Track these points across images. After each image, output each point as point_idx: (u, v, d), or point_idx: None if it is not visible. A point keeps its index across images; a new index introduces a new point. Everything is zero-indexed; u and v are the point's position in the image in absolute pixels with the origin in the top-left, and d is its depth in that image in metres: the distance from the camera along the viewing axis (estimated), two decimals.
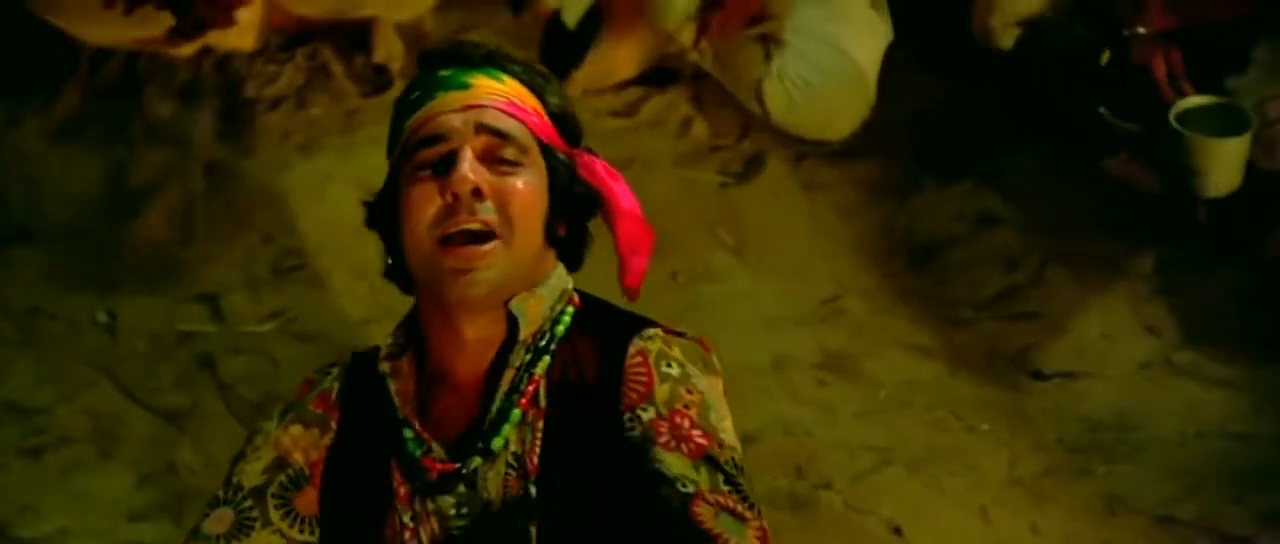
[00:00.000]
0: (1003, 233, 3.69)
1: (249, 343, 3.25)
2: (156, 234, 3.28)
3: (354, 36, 3.75)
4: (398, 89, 3.85)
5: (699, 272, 3.64)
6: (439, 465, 1.98)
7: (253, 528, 2.01)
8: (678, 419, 1.94)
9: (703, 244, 3.66)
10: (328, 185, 3.45)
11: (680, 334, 2.02)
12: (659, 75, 3.94)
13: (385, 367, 2.00)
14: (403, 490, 1.99)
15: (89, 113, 3.62)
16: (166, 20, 3.48)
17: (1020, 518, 3.08)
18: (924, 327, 3.51)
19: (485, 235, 1.87)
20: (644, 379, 1.96)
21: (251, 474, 2.00)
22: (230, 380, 3.12)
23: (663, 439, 1.92)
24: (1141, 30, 3.58)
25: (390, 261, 1.98)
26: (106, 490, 2.97)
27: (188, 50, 3.59)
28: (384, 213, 1.94)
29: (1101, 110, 3.70)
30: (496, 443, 1.96)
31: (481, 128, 1.89)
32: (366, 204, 1.98)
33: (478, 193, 1.85)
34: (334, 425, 2.01)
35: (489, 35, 3.85)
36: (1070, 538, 3.04)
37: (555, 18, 3.85)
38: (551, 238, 1.95)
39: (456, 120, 1.89)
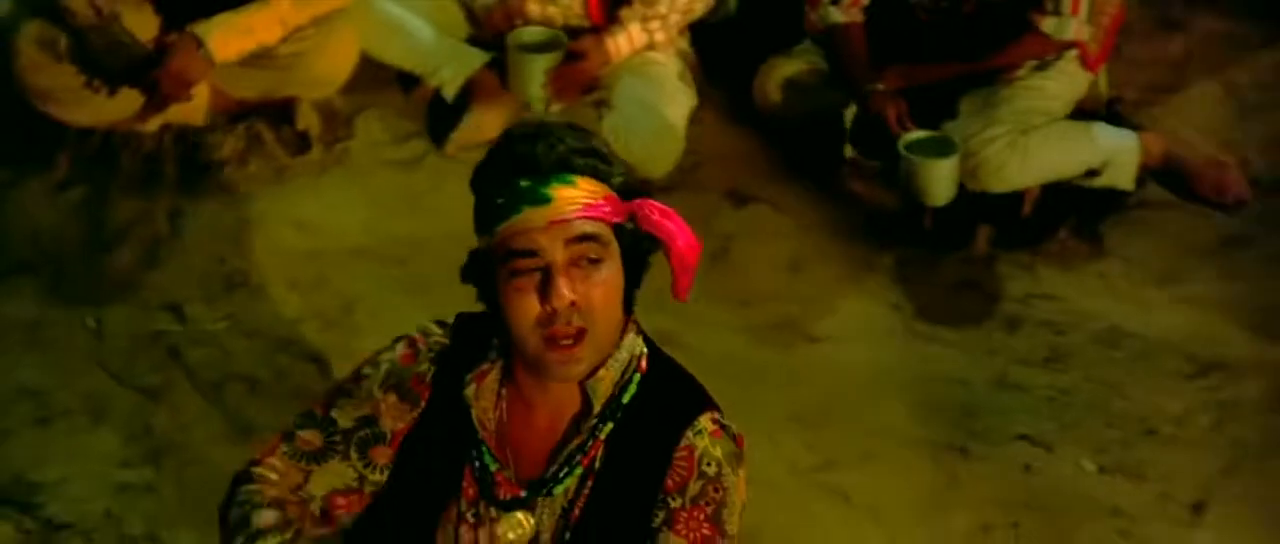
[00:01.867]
0: (783, 241, 4.18)
1: (207, 338, 3.65)
2: (130, 262, 3.75)
3: (281, 112, 4.11)
4: (318, 151, 4.10)
5: None
6: (510, 487, 2.30)
7: (335, 456, 2.35)
8: (697, 513, 2.25)
9: None
10: (265, 222, 3.94)
11: (726, 428, 2.32)
12: None
13: (470, 392, 2.29)
14: (471, 491, 2.31)
15: (77, 174, 4.04)
16: (138, 100, 3.88)
17: (796, 439, 3.57)
18: (729, 308, 3.96)
19: (581, 334, 2.15)
20: (685, 472, 2.26)
21: (347, 416, 2.35)
22: (193, 366, 3.55)
23: (678, 527, 2.23)
24: (880, 87, 4.13)
25: (486, 313, 2.27)
26: (99, 447, 3.37)
27: (153, 126, 4.03)
28: (480, 278, 2.23)
29: (848, 151, 4.30)
30: (558, 489, 2.28)
31: (569, 241, 2.12)
32: (466, 268, 2.26)
33: (573, 304, 2.12)
34: (423, 404, 2.34)
35: (415, 111, 4.30)
36: (833, 460, 3.52)
37: (437, 94, 4.20)
38: (628, 306, 2.25)
39: (544, 240, 2.13)
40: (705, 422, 2.29)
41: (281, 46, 3.92)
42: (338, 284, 3.86)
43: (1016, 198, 4.21)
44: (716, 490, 2.26)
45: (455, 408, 2.31)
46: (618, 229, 2.15)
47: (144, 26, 3.94)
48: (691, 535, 2.23)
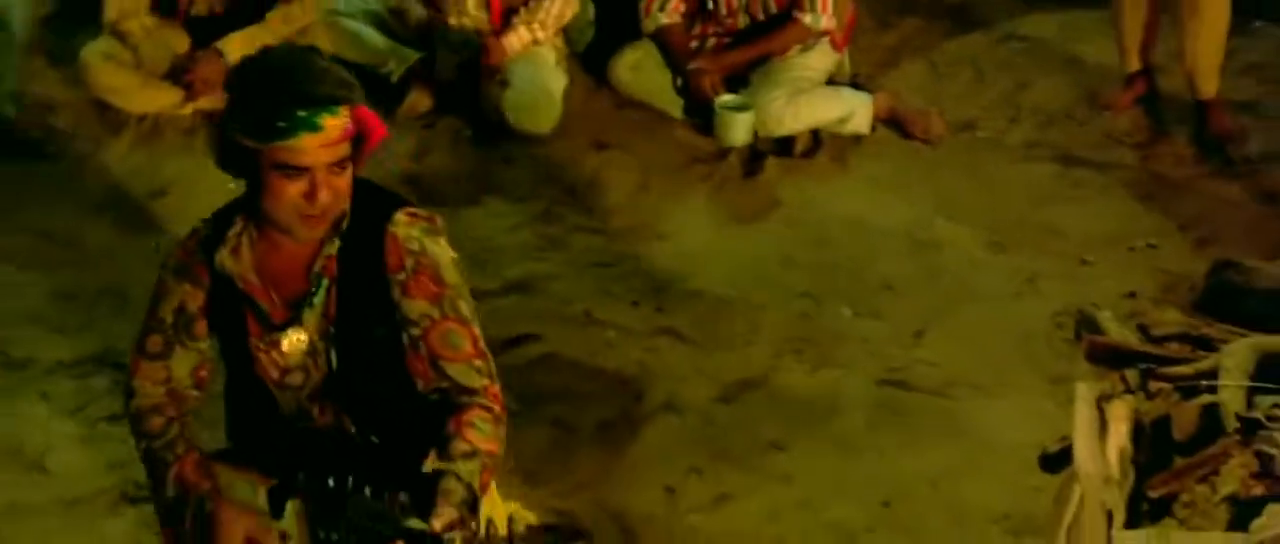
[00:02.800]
0: (633, 173, 4.92)
1: None
2: (175, 206, 4.57)
3: None
4: None
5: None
6: (279, 313, 2.60)
7: (176, 346, 2.64)
8: (420, 277, 2.52)
9: (463, 192, 4.78)
10: None
11: (416, 213, 2.58)
12: (447, 105, 5.13)
13: (221, 259, 2.54)
14: (256, 329, 2.59)
15: (136, 146, 4.89)
16: (178, 94, 4.87)
17: (649, 303, 4.22)
18: (599, 218, 4.62)
19: (325, 213, 2.46)
20: (397, 255, 2.53)
21: (167, 313, 2.63)
22: None
23: (411, 292, 2.52)
24: (697, 66, 5.00)
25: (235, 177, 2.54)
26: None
27: (188, 110, 4.95)
28: (241, 167, 2.47)
29: (677, 112, 5.11)
30: (315, 301, 2.58)
31: (329, 165, 2.43)
32: (221, 158, 2.50)
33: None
34: (206, 281, 2.60)
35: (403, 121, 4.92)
36: (672, 316, 4.13)
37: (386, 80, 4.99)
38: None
39: (310, 158, 2.41)
40: (400, 215, 2.57)
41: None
42: None
43: (792, 139, 5.02)
44: (426, 257, 2.53)
45: (219, 277, 2.59)
46: (353, 141, 2.47)
47: (180, 42, 4.98)
48: (423, 292, 2.53)
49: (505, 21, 5.15)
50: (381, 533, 2.38)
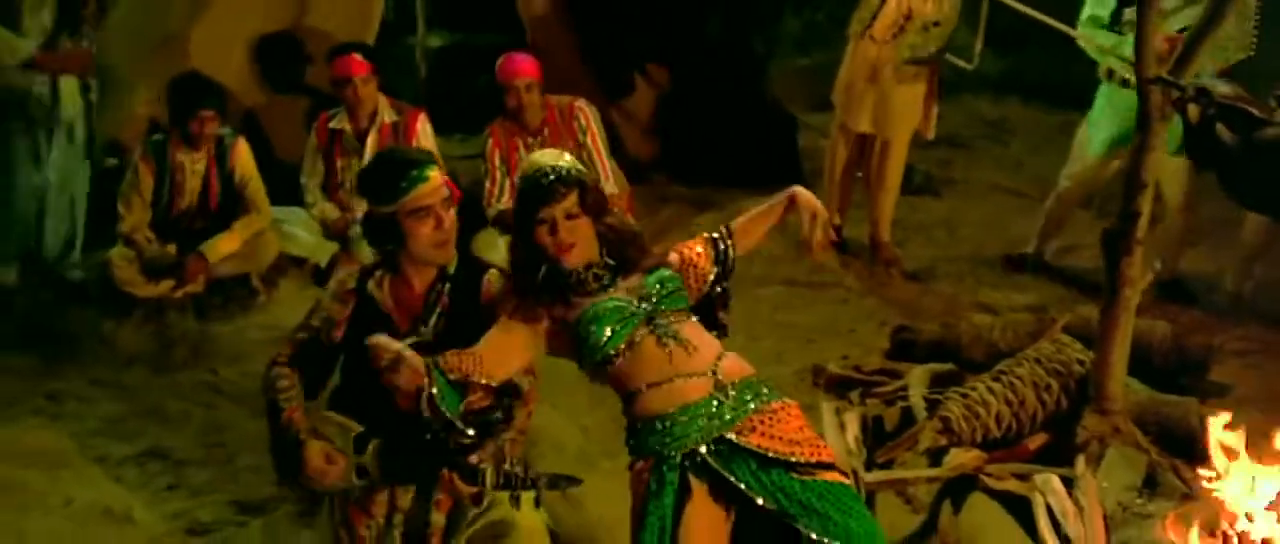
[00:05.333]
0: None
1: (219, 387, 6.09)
2: (182, 356, 6.30)
3: (244, 280, 6.66)
4: (264, 297, 6.64)
5: None
6: (403, 326, 3.68)
7: (319, 341, 3.78)
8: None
9: None
10: (243, 329, 6.49)
11: (503, 271, 3.68)
12: None
13: (371, 287, 3.75)
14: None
15: (145, 318, 6.48)
16: (170, 283, 6.42)
17: None
18: None
19: (447, 239, 3.58)
20: (488, 294, 3.68)
21: (318, 319, 3.77)
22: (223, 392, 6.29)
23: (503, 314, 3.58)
24: None
25: (388, 249, 3.70)
26: None
27: (178, 293, 6.49)
28: (380, 232, 3.63)
29: None
30: (431, 321, 3.72)
31: (442, 201, 3.61)
32: (370, 236, 3.71)
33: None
34: (351, 304, 3.76)
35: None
36: None
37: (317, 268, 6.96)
38: None
39: (430, 200, 3.60)
40: (493, 272, 3.68)
41: (242, 247, 6.59)
42: None
43: None
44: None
45: (367, 299, 3.70)
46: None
47: (171, 248, 6.65)
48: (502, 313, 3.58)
49: None
50: (433, 465, 3.55)
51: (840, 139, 7.40)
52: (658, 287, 3.69)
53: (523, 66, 6.70)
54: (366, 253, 6.04)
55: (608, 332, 3.62)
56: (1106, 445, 5.19)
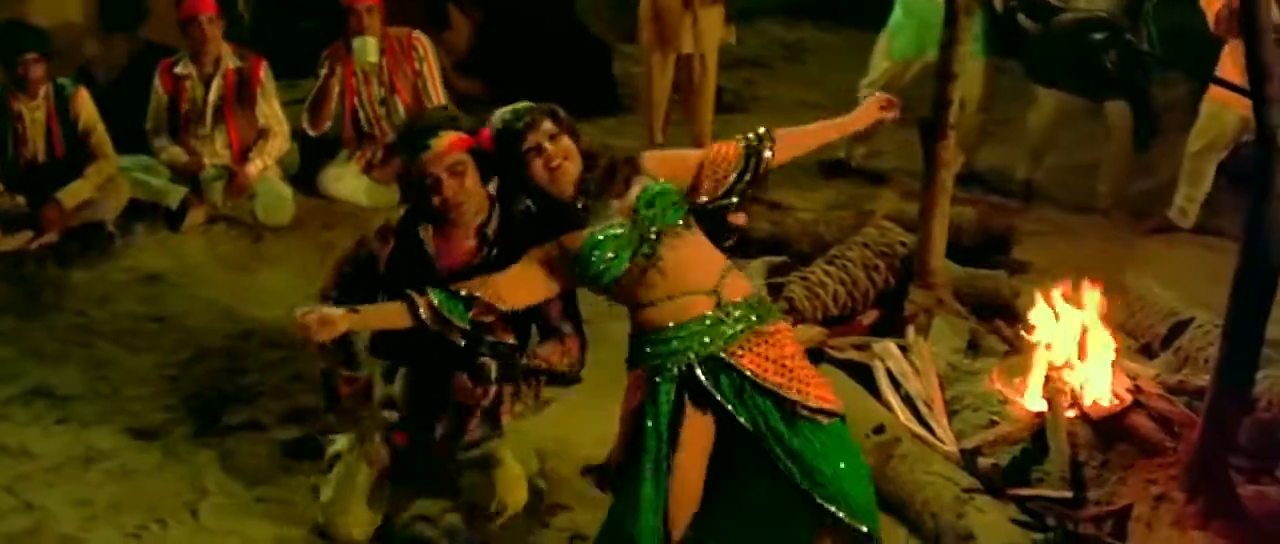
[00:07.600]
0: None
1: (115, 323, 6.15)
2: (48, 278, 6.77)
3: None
4: (118, 241, 6.63)
5: None
6: (443, 264, 3.91)
7: (367, 274, 4.01)
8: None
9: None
10: (113, 271, 6.59)
11: None
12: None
13: (422, 232, 3.94)
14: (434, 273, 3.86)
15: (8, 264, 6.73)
16: (30, 235, 6.59)
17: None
18: None
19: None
20: None
21: (364, 252, 4.05)
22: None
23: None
24: None
25: (411, 206, 3.94)
26: None
27: (34, 245, 6.70)
28: (414, 192, 3.83)
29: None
30: (476, 261, 3.93)
31: (449, 169, 3.79)
32: (405, 200, 3.95)
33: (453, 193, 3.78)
34: (391, 243, 3.98)
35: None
36: None
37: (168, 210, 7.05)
38: (484, 179, 3.83)
39: (437, 166, 3.78)
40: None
41: (95, 193, 6.79)
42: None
43: None
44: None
45: (411, 240, 3.96)
46: (472, 152, 3.80)
47: (20, 200, 6.81)
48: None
49: (243, 157, 7.21)
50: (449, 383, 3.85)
51: (658, 64, 7.69)
52: (645, 206, 3.79)
53: None
54: (217, 193, 6.85)
55: (609, 255, 3.76)
56: (933, 315, 5.76)
